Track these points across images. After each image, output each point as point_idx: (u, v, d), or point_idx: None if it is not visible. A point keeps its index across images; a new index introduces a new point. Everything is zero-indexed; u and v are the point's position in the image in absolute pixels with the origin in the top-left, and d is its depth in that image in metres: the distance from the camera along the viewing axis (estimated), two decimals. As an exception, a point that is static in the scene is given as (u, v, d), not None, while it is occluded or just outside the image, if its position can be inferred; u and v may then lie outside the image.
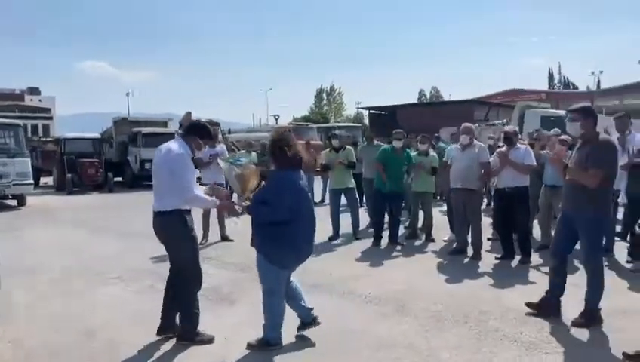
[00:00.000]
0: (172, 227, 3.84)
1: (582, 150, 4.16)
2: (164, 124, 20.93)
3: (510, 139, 6.20)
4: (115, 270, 6.23)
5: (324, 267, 6.16)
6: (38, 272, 6.18)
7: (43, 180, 19.63)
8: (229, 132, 24.38)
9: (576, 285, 4.46)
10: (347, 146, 8.19)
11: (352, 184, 7.89)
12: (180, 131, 23.80)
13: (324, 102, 64.47)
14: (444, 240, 7.45)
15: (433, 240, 7.56)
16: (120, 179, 18.76)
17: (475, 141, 6.56)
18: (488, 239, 7.16)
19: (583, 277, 4.27)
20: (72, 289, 5.52)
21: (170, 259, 4.08)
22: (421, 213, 7.96)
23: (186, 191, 3.72)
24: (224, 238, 7.86)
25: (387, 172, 7.33)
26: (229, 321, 4.43)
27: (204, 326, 4.03)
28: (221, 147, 8.29)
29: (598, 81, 47.31)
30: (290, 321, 3.94)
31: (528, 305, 4.39)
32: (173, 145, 3.81)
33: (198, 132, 3.98)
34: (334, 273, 5.90)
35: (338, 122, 42.10)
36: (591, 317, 4.08)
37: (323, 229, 8.61)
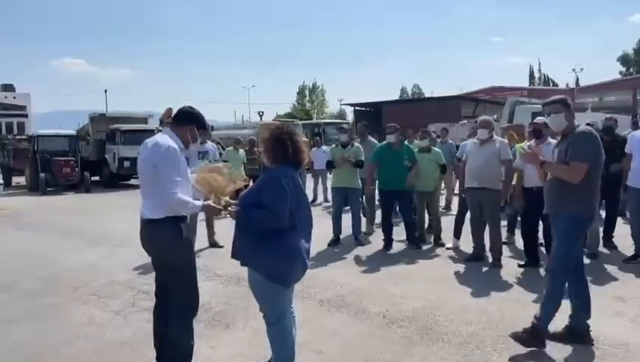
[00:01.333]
0: (163, 239, 3.12)
1: (562, 144, 3.68)
2: (144, 120, 19.96)
3: (540, 132, 5.56)
4: (91, 284, 5.46)
5: (331, 278, 5.48)
6: (1, 289, 5.38)
7: (16, 180, 18.57)
8: (212, 129, 23.47)
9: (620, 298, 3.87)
10: (355, 143, 7.49)
11: (358, 184, 7.19)
12: (162, 125, 22.67)
13: (307, 99, 64.06)
14: (448, 248, 6.80)
15: (443, 245, 6.93)
16: (97, 178, 17.81)
17: (494, 136, 5.94)
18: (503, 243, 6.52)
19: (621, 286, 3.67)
20: (41, 310, 4.73)
21: (158, 277, 3.34)
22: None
23: (168, 195, 2.99)
24: (213, 245, 7.11)
25: (387, 170, 6.69)
26: (227, 352, 3.72)
27: (197, 359, 3.32)
28: (212, 145, 7.46)
29: (577, 79, 47.66)
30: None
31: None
32: (162, 137, 3.12)
33: (194, 120, 3.24)
34: (343, 285, 5.22)
35: (323, 118, 41.42)
36: (534, 335, 3.55)
37: (319, 233, 8.01)
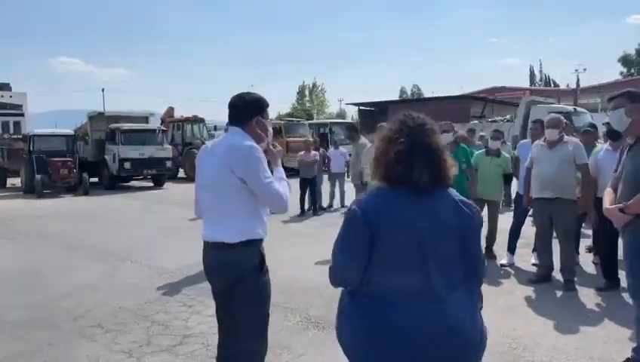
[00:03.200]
0: (243, 269, 2.45)
1: (635, 150, 2.96)
2: (145, 119, 19.09)
3: (616, 133, 4.74)
4: (94, 313, 4.59)
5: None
6: (-13, 318, 4.51)
7: (11, 181, 17.72)
8: (215, 128, 22.65)
9: None
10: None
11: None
12: (163, 124, 21.99)
13: (307, 98, 63.51)
14: (502, 264, 5.94)
15: (495, 257, 6.11)
16: (96, 180, 16.94)
17: (565, 136, 5.10)
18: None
19: None
20: (32, 351, 3.86)
21: (232, 318, 2.53)
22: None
23: (278, 198, 2.43)
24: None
25: None
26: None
27: None
28: None
29: (577, 79, 47.11)
30: None
31: None
32: (234, 138, 2.47)
33: (259, 108, 2.56)
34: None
35: (323, 118, 40.59)
36: None
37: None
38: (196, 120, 21.20)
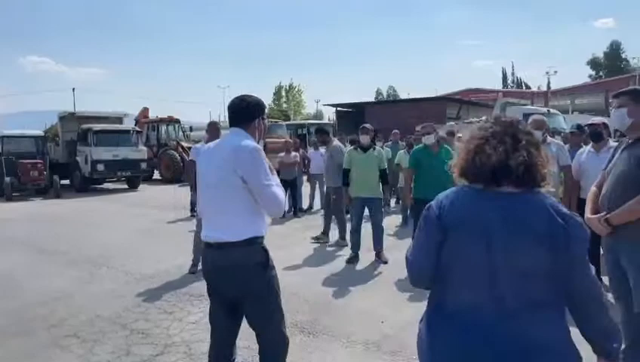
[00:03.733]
0: (251, 267, 2.46)
1: (631, 151, 2.88)
2: (119, 120, 18.65)
3: (599, 135, 4.78)
4: (70, 321, 4.39)
5: (365, 310, 4.55)
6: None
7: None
8: (191, 129, 22.28)
9: None
10: (376, 146, 6.57)
11: (381, 193, 6.27)
12: (138, 124, 21.59)
13: (284, 99, 63.40)
14: None
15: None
16: (67, 182, 16.47)
17: (548, 138, 5.11)
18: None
19: None
20: (10, 358, 3.66)
21: (252, 322, 2.58)
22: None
23: (275, 202, 2.47)
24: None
25: (425, 176, 5.81)
26: None
27: None
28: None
29: (548, 82, 48.25)
30: None
31: None
32: (239, 138, 2.49)
33: (261, 110, 2.63)
34: (385, 319, 4.30)
35: (299, 119, 40.50)
36: None
37: (333, 248, 7.11)
38: (171, 121, 20.85)
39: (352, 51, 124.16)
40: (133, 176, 16.69)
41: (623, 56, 66.84)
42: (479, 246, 1.55)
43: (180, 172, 17.45)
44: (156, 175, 19.53)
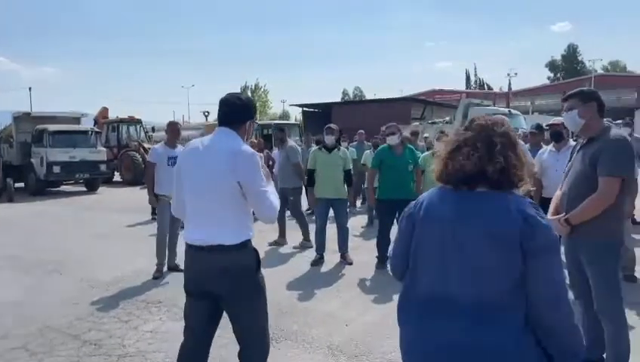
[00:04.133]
0: (246, 269, 2.46)
1: (585, 151, 2.94)
2: (77, 120, 17.97)
3: (559, 134, 4.85)
4: (19, 332, 4.13)
5: (330, 312, 4.47)
6: None
7: None
8: (153, 130, 21.74)
9: None
10: (341, 146, 6.48)
11: (345, 193, 6.19)
12: (97, 125, 20.98)
13: (249, 99, 62.97)
14: None
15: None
16: (22, 185, 15.78)
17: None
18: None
19: None
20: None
21: (239, 320, 2.52)
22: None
23: (270, 208, 2.43)
24: (173, 268, 5.88)
25: (389, 176, 5.79)
26: None
27: None
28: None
29: (509, 83, 49.62)
30: None
31: None
32: (232, 140, 2.43)
33: (254, 112, 2.61)
34: (350, 322, 4.22)
35: (265, 120, 40.20)
36: None
37: (297, 250, 6.97)
38: (132, 121, 20.28)
39: (318, 52, 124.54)
40: (92, 178, 16.12)
41: (580, 58, 69.43)
42: (434, 239, 1.61)
43: (141, 174, 16.98)
44: (117, 177, 18.98)
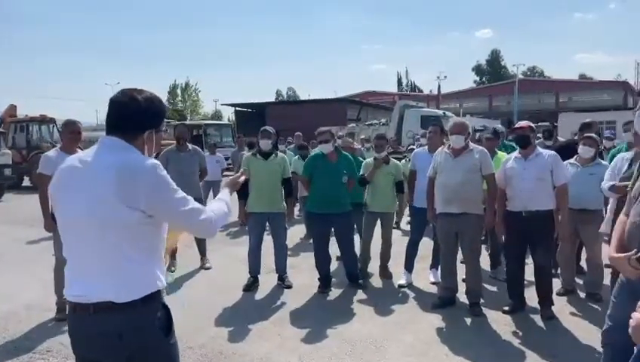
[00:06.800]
0: (147, 334, 1.76)
1: None
2: (-22, 119, 15.98)
3: (526, 139, 4.35)
4: None
5: (265, 356, 3.66)
6: None
7: None
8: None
9: None
10: (279, 153, 5.65)
11: (283, 207, 5.37)
12: (3, 125, 18.87)
13: (179, 98, 60.94)
14: (401, 285, 5.32)
15: (390, 276, 5.55)
16: None
17: (471, 144, 4.58)
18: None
19: None
20: None
21: None
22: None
23: (206, 224, 1.85)
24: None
25: (321, 187, 5.10)
26: None
27: None
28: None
29: (439, 86, 51.01)
30: None
31: None
32: (123, 155, 1.74)
33: (158, 119, 1.89)
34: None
35: (198, 119, 38.66)
36: None
37: (230, 271, 5.83)
38: (44, 120, 18.29)
39: (251, 51, 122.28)
40: (-5, 184, 14.28)
41: (503, 63, 72.80)
42: None
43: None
44: (27, 182, 17.04)
